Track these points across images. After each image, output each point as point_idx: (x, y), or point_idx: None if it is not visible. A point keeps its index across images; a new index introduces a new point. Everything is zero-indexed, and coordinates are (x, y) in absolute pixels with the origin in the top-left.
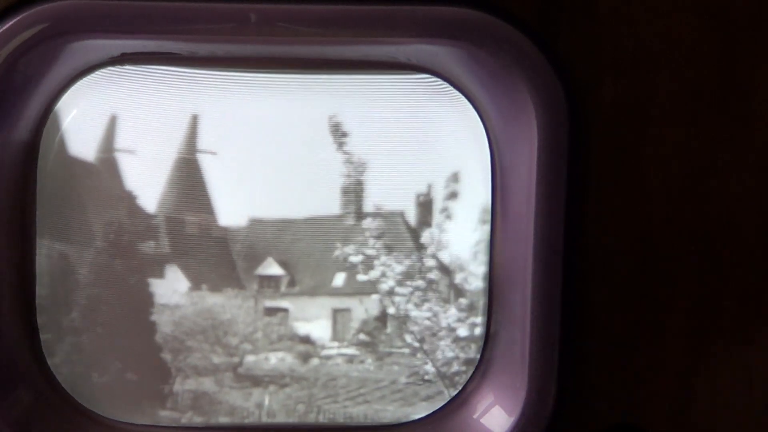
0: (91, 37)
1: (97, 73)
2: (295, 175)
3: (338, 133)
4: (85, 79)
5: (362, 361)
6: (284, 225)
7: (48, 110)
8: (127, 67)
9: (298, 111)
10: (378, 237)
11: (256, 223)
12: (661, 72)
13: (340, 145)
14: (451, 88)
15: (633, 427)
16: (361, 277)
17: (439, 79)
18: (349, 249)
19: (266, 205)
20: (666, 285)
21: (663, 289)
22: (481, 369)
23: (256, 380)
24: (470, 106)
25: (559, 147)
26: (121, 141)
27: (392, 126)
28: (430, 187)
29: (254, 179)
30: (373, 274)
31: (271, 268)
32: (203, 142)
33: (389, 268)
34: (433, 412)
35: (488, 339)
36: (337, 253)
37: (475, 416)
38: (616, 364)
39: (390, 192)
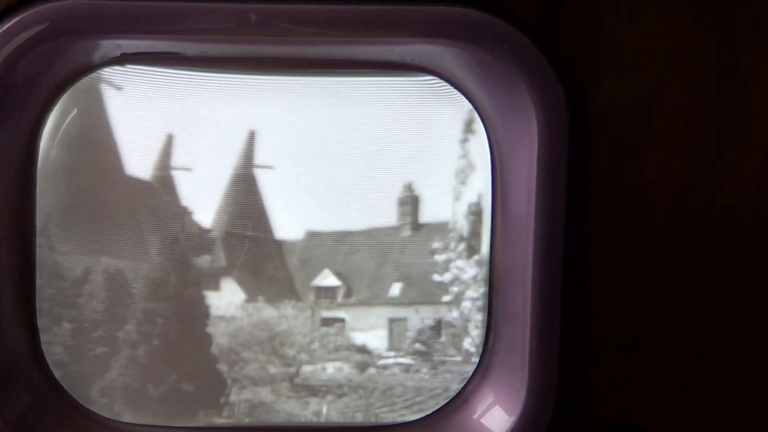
0: (91, 37)
1: (97, 73)
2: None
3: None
4: (85, 78)
5: (418, 371)
6: (341, 237)
7: (48, 110)
8: (128, 67)
9: (297, 112)
10: (460, 240)
11: (312, 236)
12: (661, 72)
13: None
14: (451, 88)
15: (633, 427)
16: (437, 278)
17: (439, 79)
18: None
19: (322, 217)
20: (666, 285)
21: (663, 289)
22: (481, 369)
23: (313, 390)
24: (470, 106)
25: (559, 147)
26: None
27: (392, 127)
28: (480, 196)
29: (308, 192)
30: (447, 276)
31: (328, 279)
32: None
33: (462, 272)
34: (433, 412)
35: (488, 339)
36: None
37: (475, 416)
38: (616, 364)
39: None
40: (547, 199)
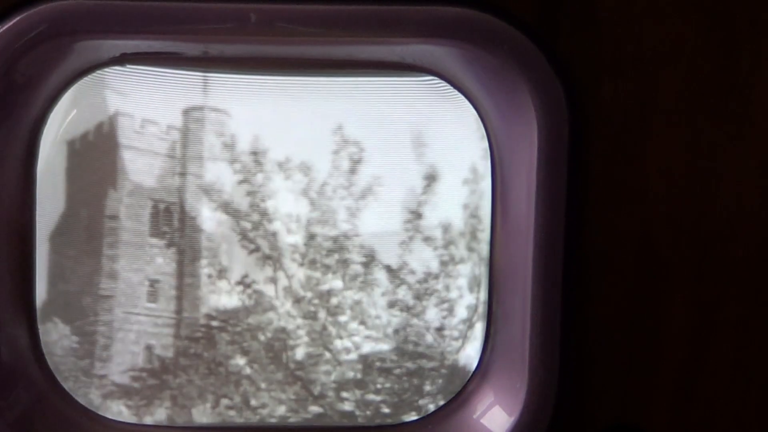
0: (91, 37)
1: (97, 73)
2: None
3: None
4: (85, 79)
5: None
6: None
7: (48, 110)
8: (128, 67)
9: (299, 114)
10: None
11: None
12: (661, 72)
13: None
14: (451, 88)
15: (633, 427)
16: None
17: (439, 79)
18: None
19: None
20: (666, 285)
21: (663, 288)
22: (481, 369)
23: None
24: (470, 106)
25: (559, 147)
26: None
27: (393, 126)
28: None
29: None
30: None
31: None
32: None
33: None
34: (433, 412)
35: (488, 339)
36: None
37: (475, 416)
38: (616, 364)
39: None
40: (547, 199)
